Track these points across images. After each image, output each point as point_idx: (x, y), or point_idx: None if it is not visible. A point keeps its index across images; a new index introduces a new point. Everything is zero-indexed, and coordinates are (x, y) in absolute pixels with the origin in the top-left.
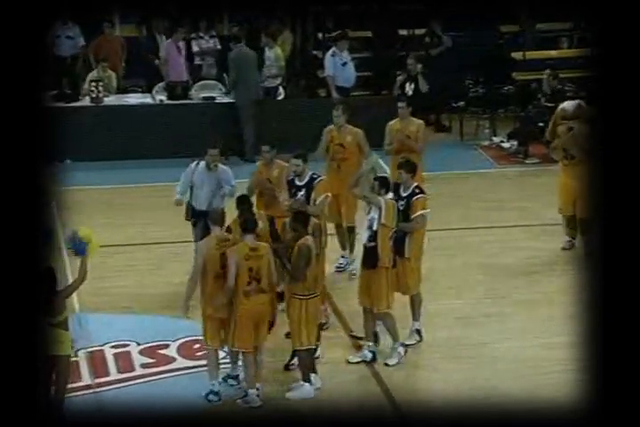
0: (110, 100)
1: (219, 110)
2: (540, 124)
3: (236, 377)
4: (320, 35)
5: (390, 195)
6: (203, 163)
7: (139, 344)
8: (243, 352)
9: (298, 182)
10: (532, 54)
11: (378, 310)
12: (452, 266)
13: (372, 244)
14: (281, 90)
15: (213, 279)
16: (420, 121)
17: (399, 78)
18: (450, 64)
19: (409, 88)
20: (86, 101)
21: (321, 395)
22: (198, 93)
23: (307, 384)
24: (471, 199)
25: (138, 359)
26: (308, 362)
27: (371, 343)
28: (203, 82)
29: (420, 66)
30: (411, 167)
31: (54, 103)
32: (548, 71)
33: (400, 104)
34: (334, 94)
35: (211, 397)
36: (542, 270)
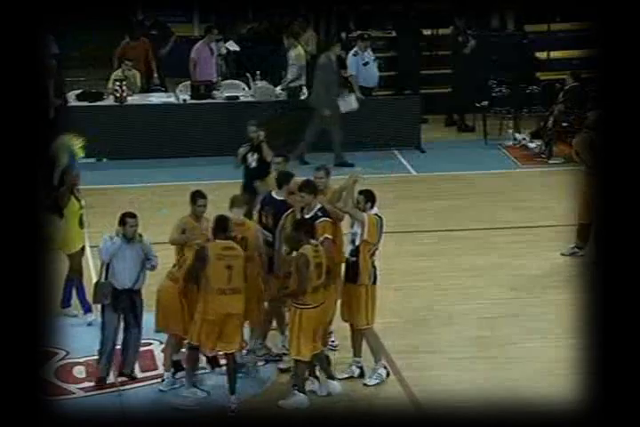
0: (134, 99)
1: (243, 109)
2: (564, 125)
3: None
4: (343, 34)
5: (375, 209)
6: (115, 236)
7: (162, 343)
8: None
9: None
10: (557, 54)
11: (357, 326)
12: (477, 266)
13: (354, 259)
14: (304, 90)
15: None
16: None
17: (241, 151)
18: (473, 64)
19: (252, 159)
20: (110, 101)
21: (345, 395)
22: (222, 93)
23: (300, 394)
24: (495, 199)
25: (161, 358)
26: (301, 373)
27: (358, 359)
28: (227, 81)
29: (262, 133)
30: (312, 188)
31: (78, 102)
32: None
33: (317, 174)
34: (358, 94)
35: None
36: (568, 271)
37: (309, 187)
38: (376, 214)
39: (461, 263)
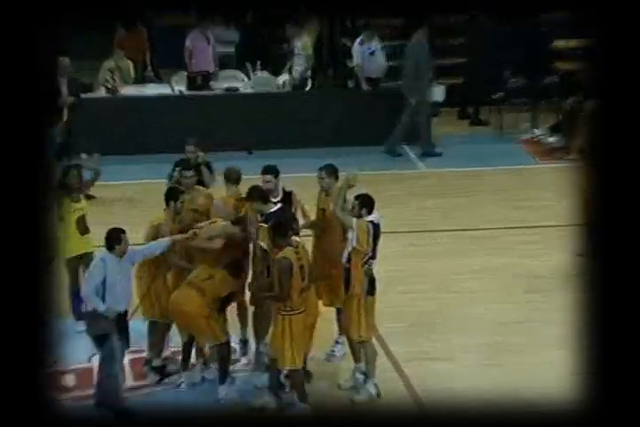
0: (127, 90)
1: (242, 101)
2: None
3: None
4: (348, 22)
5: (372, 216)
6: (107, 255)
7: None
8: None
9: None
10: (575, 43)
11: (350, 337)
12: (488, 267)
13: (347, 265)
14: (308, 82)
15: None
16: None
17: (175, 173)
18: (490, 54)
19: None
20: (101, 92)
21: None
22: (221, 84)
23: (302, 404)
24: (510, 197)
25: None
26: (299, 382)
27: (359, 364)
28: (225, 71)
29: (202, 154)
30: (257, 195)
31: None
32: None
33: (320, 174)
34: (363, 85)
35: None
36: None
37: (255, 193)
38: (371, 221)
39: (473, 264)
